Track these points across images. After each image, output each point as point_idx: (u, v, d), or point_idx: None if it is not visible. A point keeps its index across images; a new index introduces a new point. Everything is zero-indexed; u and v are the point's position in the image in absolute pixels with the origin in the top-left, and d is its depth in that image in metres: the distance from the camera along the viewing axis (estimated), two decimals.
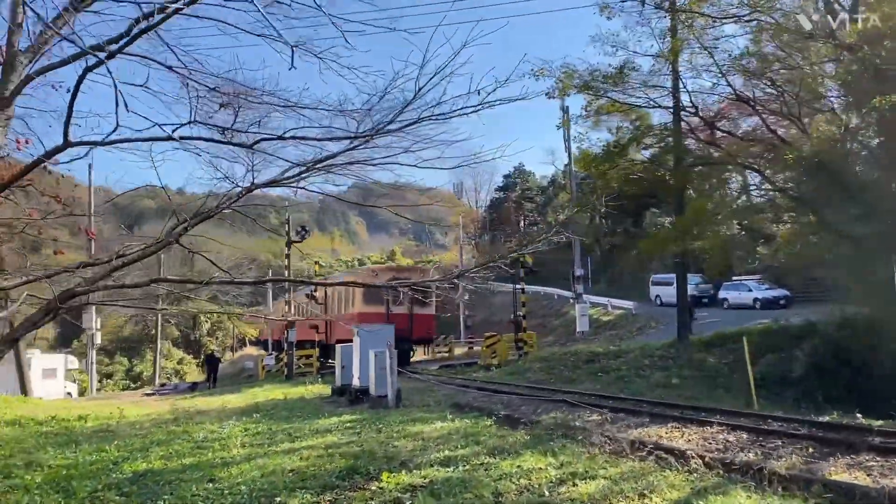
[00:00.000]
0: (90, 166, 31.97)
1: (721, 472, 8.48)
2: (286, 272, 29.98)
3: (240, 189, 8.13)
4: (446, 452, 10.06)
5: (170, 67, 6.87)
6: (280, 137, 6.99)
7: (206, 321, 73.77)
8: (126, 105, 5.77)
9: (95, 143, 6.08)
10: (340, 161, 8.44)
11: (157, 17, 6.27)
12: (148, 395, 35.30)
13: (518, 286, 30.01)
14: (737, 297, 39.31)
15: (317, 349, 30.83)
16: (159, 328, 52.42)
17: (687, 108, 22.92)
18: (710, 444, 10.35)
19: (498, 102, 7.58)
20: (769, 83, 22.04)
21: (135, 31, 6.47)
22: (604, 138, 23.99)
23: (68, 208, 10.68)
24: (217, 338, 75.51)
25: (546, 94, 21.74)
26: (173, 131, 6.30)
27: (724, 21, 21.29)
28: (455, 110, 7.75)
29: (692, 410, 14.04)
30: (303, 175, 8.24)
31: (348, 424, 13.90)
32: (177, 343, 74.23)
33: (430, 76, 7.57)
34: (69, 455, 11.72)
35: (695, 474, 8.41)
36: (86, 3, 7.00)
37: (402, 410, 15.51)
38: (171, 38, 6.51)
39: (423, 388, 22.03)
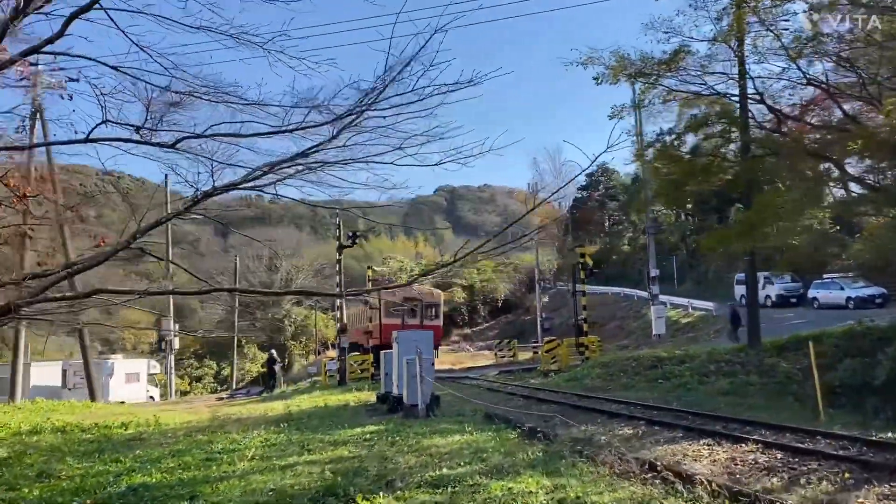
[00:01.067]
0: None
1: (727, 501, 7.52)
2: (338, 277, 30.15)
3: (199, 194, 7.84)
4: (444, 471, 9.52)
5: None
6: (199, 136, 6.58)
7: (291, 325, 75.47)
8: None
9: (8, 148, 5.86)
10: (303, 162, 8.02)
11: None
12: (220, 399, 36.18)
13: (579, 289, 28.84)
14: (828, 296, 36.58)
15: (370, 354, 30.84)
16: (237, 333, 53.75)
17: (751, 96, 21.34)
18: (736, 465, 9.35)
19: (486, 77, 6.95)
20: (846, 64, 20.23)
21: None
22: (661, 130, 22.79)
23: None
24: (300, 341, 77.06)
25: (594, 79, 20.80)
26: (89, 133, 6.01)
27: None
28: (432, 88, 7.19)
29: (737, 424, 12.92)
30: (261, 177, 7.84)
31: (368, 436, 13.53)
32: (263, 347, 76.33)
33: (406, 62, 7.12)
34: (84, 465, 11.81)
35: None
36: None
37: (430, 421, 14.99)
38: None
39: (470, 394, 21.43)
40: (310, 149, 7.81)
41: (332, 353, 78.96)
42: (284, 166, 7.92)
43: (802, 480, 8.29)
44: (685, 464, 9.52)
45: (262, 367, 46.81)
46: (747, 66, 21.15)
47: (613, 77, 20.72)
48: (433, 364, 18.53)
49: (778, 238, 20.02)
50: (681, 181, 21.45)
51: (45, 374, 38.97)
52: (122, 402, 36.91)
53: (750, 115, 22.02)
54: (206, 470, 10.84)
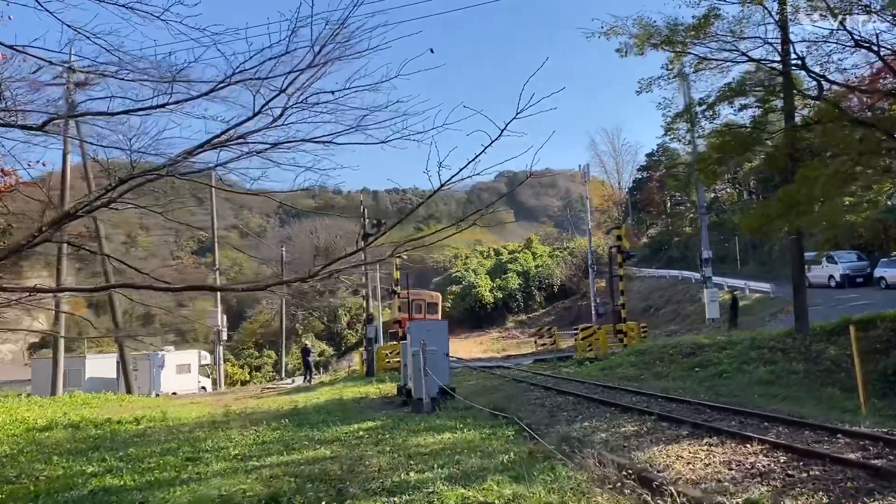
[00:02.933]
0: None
1: None
2: (364, 267, 29.73)
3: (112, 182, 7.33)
4: (411, 475, 8.87)
5: None
6: (72, 115, 5.99)
7: (346, 314, 75.96)
8: None
9: None
10: (233, 145, 7.41)
11: None
12: (266, 389, 36.40)
13: (616, 273, 27.56)
14: None
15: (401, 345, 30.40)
16: (284, 322, 54.28)
17: (793, 62, 19.68)
18: (730, 469, 8.36)
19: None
20: None
21: None
22: (690, 101, 21.16)
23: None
24: (357, 330, 77.42)
25: (617, 51, 19.49)
26: None
27: None
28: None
29: (756, 419, 11.80)
30: (182, 161, 7.28)
31: (361, 433, 13.04)
32: (321, 336, 77.08)
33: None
34: (67, 465, 11.64)
35: None
36: None
37: (433, 416, 14.34)
38: None
39: (492, 385, 20.72)
40: (230, 129, 7.23)
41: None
42: (205, 150, 7.37)
43: (795, 490, 7.26)
44: (671, 469, 8.58)
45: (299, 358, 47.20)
46: (790, 28, 19.50)
47: (639, 47, 19.39)
48: (447, 355, 17.86)
49: (823, 215, 18.34)
50: (716, 156, 19.98)
51: (101, 366, 39.96)
52: (174, 393, 37.75)
53: (792, 81, 20.38)
54: (178, 471, 10.50)
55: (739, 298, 41.15)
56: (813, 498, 6.93)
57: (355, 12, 6.36)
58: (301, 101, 7.25)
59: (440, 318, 52.38)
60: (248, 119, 7.17)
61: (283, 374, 50.60)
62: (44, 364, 35.62)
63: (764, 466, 8.33)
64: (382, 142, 7.48)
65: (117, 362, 40.42)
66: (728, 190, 70.62)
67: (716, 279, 43.57)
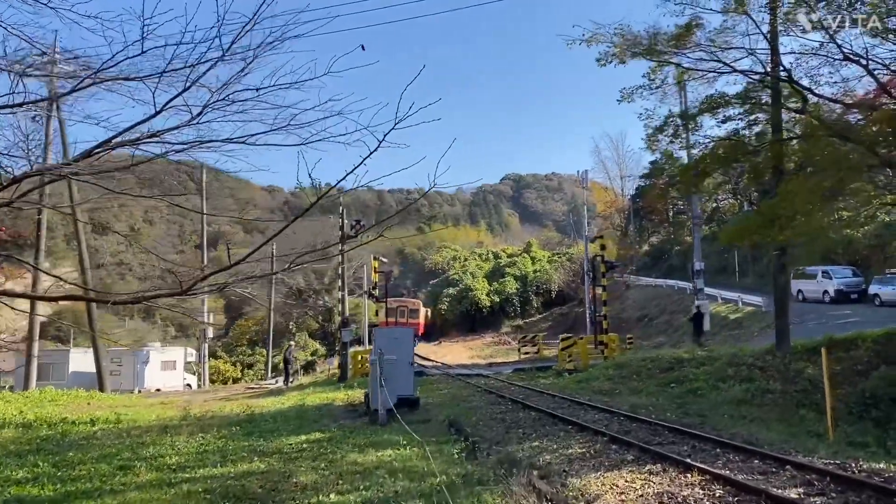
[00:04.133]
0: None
1: None
2: (340, 269, 29.49)
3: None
4: (332, 496, 8.58)
5: None
6: None
7: (340, 314, 75.46)
8: None
9: None
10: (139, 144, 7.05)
11: None
12: (251, 388, 36.09)
13: (599, 283, 27.10)
14: (891, 293, 33.48)
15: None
16: (271, 321, 53.94)
17: (776, 76, 19.19)
18: (661, 502, 7.93)
19: None
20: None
21: None
22: (669, 112, 20.66)
23: None
24: (350, 330, 76.84)
25: (597, 61, 19.05)
26: None
27: None
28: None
29: (710, 444, 11.32)
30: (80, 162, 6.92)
31: (305, 445, 12.68)
32: (315, 335, 76.65)
33: None
34: None
35: None
36: None
37: (385, 429, 13.95)
38: None
39: (461, 396, 20.34)
40: (133, 126, 6.87)
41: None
42: (106, 149, 7.01)
43: None
44: (601, 499, 8.18)
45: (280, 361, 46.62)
46: (772, 39, 19.05)
47: (619, 56, 18.93)
48: (412, 364, 17.47)
49: (802, 229, 17.84)
50: (695, 168, 19.51)
51: (86, 360, 39.63)
52: (158, 390, 37.47)
53: (779, 94, 19.92)
54: (103, 482, 10.16)
55: (732, 311, 40.77)
56: None
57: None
58: (224, 99, 6.92)
59: (422, 324, 60.93)
60: (152, 117, 6.79)
61: (270, 374, 50.21)
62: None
63: (696, 501, 7.91)
64: (303, 143, 7.12)
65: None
66: (730, 200, 69.75)
67: (711, 291, 43.03)
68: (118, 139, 6.92)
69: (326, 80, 6.17)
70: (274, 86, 6.69)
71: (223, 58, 6.64)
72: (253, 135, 7.05)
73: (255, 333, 77.79)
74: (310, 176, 5.58)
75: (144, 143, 7.01)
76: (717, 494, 8.15)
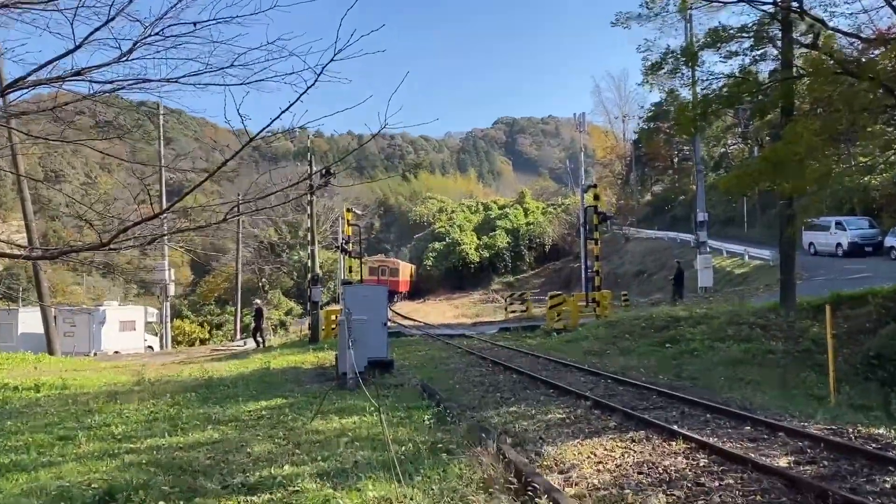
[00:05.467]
0: None
1: None
2: (309, 222, 29.27)
3: None
4: (286, 468, 8.53)
5: None
6: None
7: (310, 271, 75.50)
8: None
9: None
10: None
11: None
12: (217, 350, 36.03)
13: (592, 237, 27.04)
14: None
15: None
16: (239, 277, 53.70)
17: (791, 7, 18.82)
18: (639, 474, 7.96)
19: None
20: None
21: None
22: (667, 47, 20.24)
23: None
24: (329, 288, 76.90)
25: None
26: None
27: None
28: None
29: (700, 409, 11.40)
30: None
31: (265, 412, 12.65)
32: (289, 293, 76.46)
33: None
34: None
35: None
36: None
37: (353, 395, 13.94)
38: None
39: (440, 357, 20.44)
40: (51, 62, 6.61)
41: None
42: (21, 87, 6.75)
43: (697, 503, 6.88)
44: (576, 469, 8.19)
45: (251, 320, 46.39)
46: None
47: None
48: (385, 324, 17.42)
49: (810, 175, 17.66)
50: (697, 107, 19.25)
51: (35, 320, 39.36)
52: (117, 353, 37.27)
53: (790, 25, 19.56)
54: (40, 453, 10.11)
55: (737, 266, 40.92)
56: None
57: None
58: (157, 33, 6.66)
59: (406, 282, 67.82)
60: (72, 51, 6.55)
61: (239, 335, 50.17)
62: None
63: (677, 471, 7.92)
64: (243, 83, 6.87)
65: (54, 317, 39.80)
66: (740, 145, 69.08)
67: (716, 243, 43.14)
68: (34, 76, 6.69)
69: (275, 15, 5.93)
70: (213, 19, 6.47)
71: None
72: (190, 74, 6.84)
73: (225, 291, 77.42)
74: (238, 112, 5.29)
75: (68, 81, 6.79)
76: (702, 464, 8.17)
